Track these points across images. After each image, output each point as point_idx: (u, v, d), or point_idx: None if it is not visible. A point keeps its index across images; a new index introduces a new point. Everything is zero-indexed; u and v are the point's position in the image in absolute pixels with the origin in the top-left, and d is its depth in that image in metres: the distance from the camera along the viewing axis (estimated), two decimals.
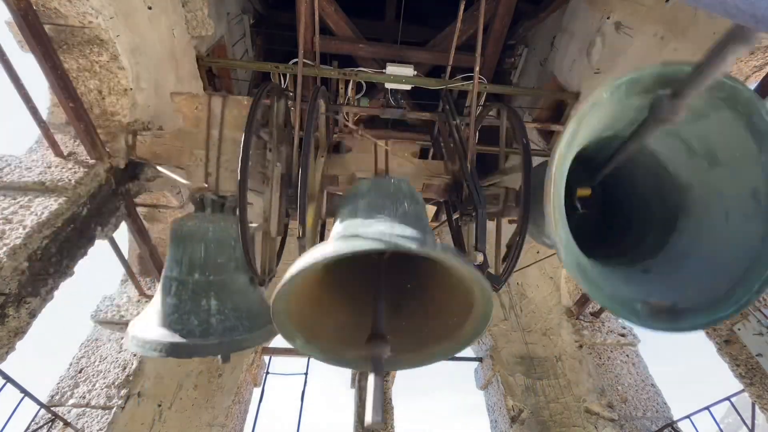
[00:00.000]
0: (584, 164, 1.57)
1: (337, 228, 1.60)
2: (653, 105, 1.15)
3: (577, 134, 1.24)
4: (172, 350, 1.68)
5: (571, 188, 1.55)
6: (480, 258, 1.92)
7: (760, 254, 1.22)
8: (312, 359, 4.25)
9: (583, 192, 1.60)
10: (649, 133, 1.24)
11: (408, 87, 3.70)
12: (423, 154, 4.38)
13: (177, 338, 1.71)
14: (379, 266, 1.46)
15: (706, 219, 1.43)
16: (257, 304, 2.11)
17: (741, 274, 1.23)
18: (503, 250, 2.19)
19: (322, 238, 2.66)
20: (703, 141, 1.38)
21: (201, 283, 1.93)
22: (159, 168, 2.69)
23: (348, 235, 1.29)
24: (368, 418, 0.91)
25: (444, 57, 3.61)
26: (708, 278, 1.31)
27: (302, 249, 1.94)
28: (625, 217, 1.83)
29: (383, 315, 1.19)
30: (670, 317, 1.24)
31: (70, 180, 2.30)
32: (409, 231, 1.27)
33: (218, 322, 1.85)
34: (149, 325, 1.81)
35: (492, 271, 2.17)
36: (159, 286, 1.99)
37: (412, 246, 1.05)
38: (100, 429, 2.94)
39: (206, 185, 2.43)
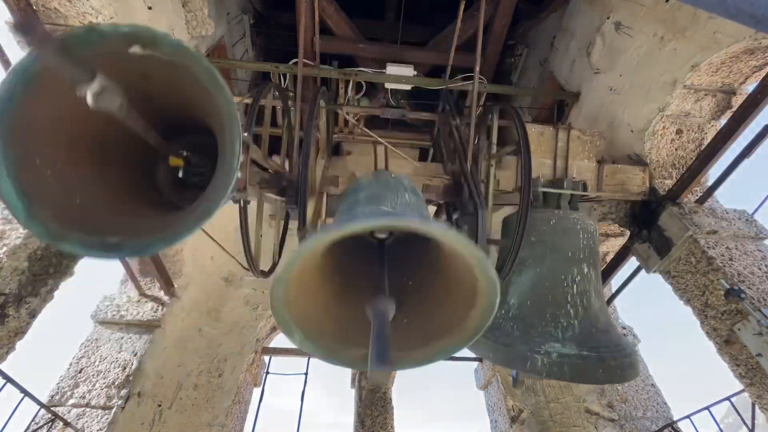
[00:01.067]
0: None
1: (339, 216, 1.59)
2: None
3: None
4: None
5: None
6: None
7: None
8: (312, 359, 4.25)
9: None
10: None
11: (408, 87, 3.70)
12: (423, 156, 4.39)
13: None
14: (382, 247, 1.44)
15: None
16: None
17: None
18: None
19: None
20: None
21: None
22: None
23: (351, 218, 1.27)
24: (372, 363, 0.82)
25: (444, 57, 3.61)
26: None
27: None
28: None
29: (386, 277, 1.16)
30: None
31: None
32: (410, 213, 1.24)
33: None
34: None
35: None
36: None
37: (414, 222, 1.00)
38: (100, 429, 2.94)
39: None
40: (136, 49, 1.02)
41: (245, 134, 1.56)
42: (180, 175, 1.41)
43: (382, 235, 1.53)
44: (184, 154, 1.42)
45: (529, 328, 1.91)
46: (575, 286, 2.04)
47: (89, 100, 0.89)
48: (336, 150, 3.05)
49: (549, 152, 2.87)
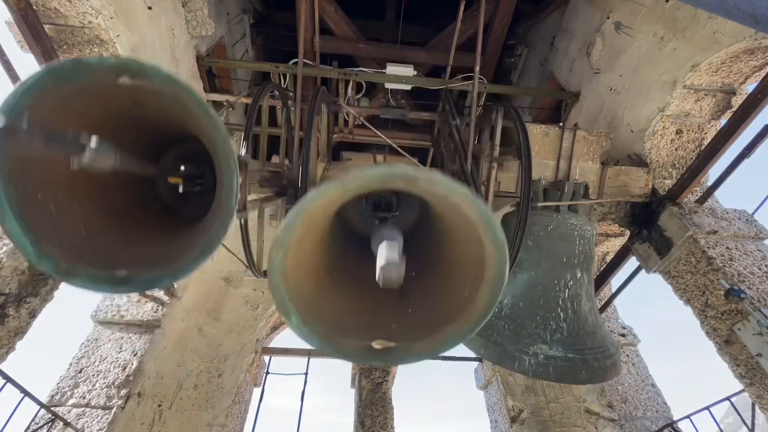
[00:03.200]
0: None
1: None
2: None
3: None
4: None
5: None
6: None
7: None
8: (312, 359, 4.25)
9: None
10: None
11: (408, 87, 3.69)
12: (422, 156, 4.38)
13: None
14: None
15: None
16: None
17: None
18: None
19: None
20: None
21: None
22: None
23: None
24: (381, 260, 0.75)
25: (444, 57, 3.61)
26: None
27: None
28: None
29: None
30: None
31: None
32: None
33: None
34: None
35: None
36: None
37: (420, 174, 0.92)
38: (100, 429, 2.94)
39: None
40: (125, 80, 1.02)
41: (243, 153, 1.57)
42: (180, 190, 1.45)
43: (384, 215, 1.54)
44: (182, 169, 1.44)
45: (520, 329, 1.98)
46: (567, 291, 2.09)
47: (85, 167, 0.92)
48: (335, 156, 3.04)
49: (553, 153, 2.86)
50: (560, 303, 2.04)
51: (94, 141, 0.91)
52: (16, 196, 1.07)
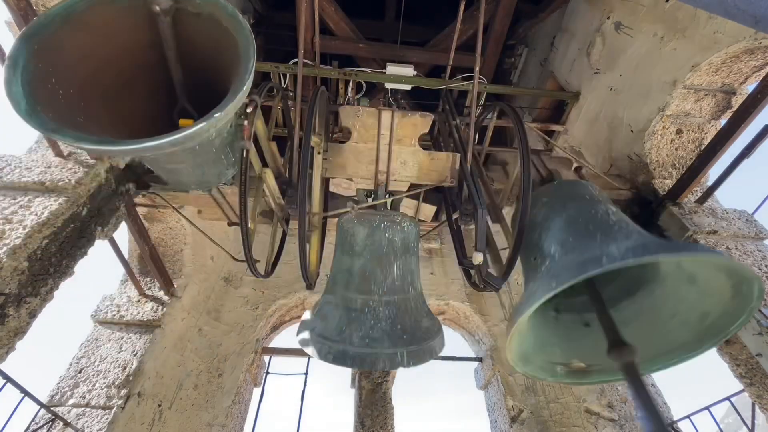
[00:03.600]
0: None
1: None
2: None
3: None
4: None
5: None
6: (480, 258, 1.92)
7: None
8: (312, 359, 4.25)
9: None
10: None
11: (408, 87, 3.69)
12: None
13: None
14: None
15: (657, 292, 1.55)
16: None
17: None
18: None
19: (322, 247, 2.66)
20: None
21: None
22: None
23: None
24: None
25: (444, 57, 3.61)
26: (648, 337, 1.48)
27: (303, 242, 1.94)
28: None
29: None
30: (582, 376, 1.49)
31: (69, 180, 2.30)
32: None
33: None
34: None
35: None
36: None
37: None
38: (100, 429, 2.94)
39: None
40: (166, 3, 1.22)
41: (255, 97, 1.64)
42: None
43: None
44: (195, 115, 1.56)
45: (580, 247, 1.72)
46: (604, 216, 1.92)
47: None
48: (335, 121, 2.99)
49: None
50: (603, 219, 1.85)
51: None
52: (33, 70, 1.19)
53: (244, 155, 1.87)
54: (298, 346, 1.94)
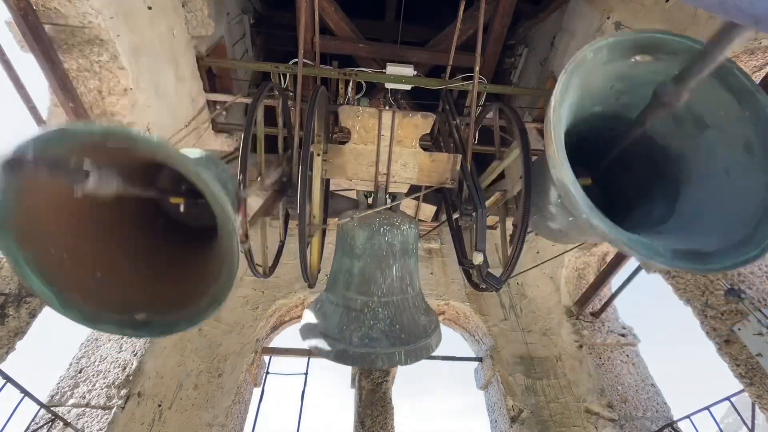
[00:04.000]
0: (578, 155, 1.57)
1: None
2: (657, 91, 1.16)
3: (569, 86, 1.26)
4: None
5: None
6: (480, 258, 1.92)
7: (766, 202, 1.29)
8: (311, 359, 4.25)
9: (585, 182, 1.59)
10: (652, 118, 1.27)
11: (408, 87, 3.69)
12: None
13: None
14: None
15: (707, 181, 1.47)
16: None
17: (756, 222, 1.28)
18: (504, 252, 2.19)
19: (322, 248, 2.66)
20: (687, 108, 1.41)
21: None
22: None
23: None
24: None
25: (444, 57, 3.61)
26: (724, 228, 1.35)
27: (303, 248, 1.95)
28: (624, 196, 1.82)
29: None
30: (697, 258, 1.28)
31: None
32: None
33: None
34: None
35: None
36: None
37: None
38: (100, 429, 2.94)
39: None
40: (114, 144, 1.08)
41: (243, 192, 1.65)
42: (181, 210, 1.54)
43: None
44: (183, 189, 1.53)
45: None
46: None
47: (91, 193, 0.96)
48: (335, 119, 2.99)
49: None
50: None
51: (95, 169, 0.95)
52: (33, 254, 1.15)
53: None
54: (298, 346, 1.96)
